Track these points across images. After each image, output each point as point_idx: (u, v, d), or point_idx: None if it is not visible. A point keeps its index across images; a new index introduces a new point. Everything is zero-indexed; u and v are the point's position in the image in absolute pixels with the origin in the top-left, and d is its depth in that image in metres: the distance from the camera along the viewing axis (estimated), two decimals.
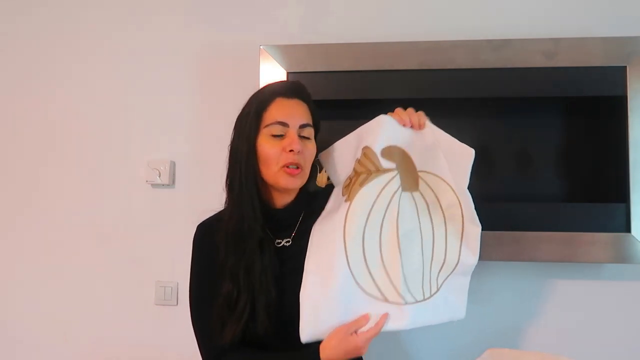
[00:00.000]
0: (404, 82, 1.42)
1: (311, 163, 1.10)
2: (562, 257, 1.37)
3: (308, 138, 1.09)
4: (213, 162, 1.58)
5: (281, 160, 1.05)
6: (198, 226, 1.14)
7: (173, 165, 1.60)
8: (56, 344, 1.61)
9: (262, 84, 1.45)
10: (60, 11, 1.67)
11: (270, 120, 1.06)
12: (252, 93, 1.47)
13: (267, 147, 1.05)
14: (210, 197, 1.57)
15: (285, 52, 1.45)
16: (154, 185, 1.60)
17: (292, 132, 1.06)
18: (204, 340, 1.07)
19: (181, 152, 1.60)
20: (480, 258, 1.40)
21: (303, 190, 1.13)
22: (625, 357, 1.45)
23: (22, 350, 1.63)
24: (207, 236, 1.11)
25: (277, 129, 1.06)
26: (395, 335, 1.47)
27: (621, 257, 1.35)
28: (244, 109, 1.11)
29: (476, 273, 1.49)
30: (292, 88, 1.12)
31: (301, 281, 1.03)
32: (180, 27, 1.62)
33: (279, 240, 1.11)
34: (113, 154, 1.62)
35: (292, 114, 1.07)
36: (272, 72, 1.45)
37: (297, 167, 1.06)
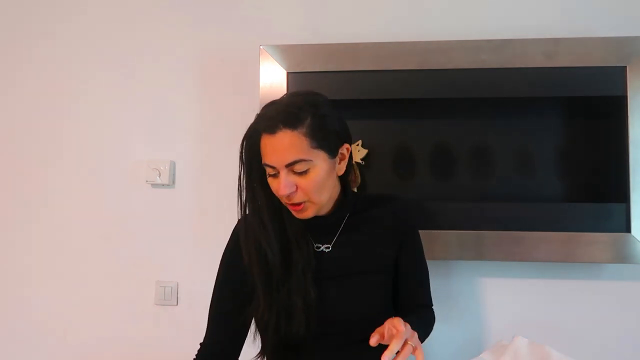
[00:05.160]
0: (403, 82, 1.42)
1: (321, 189, 1.00)
2: (562, 257, 1.37)
3: (305, 171, 0.98)
4: (213, 162, 1.60)
5: (282, 199, 1.02)
6: (240, 221, 1.10)
7: (173, 165, 1.60)
8: (56, 344, 1.61)
9: (262, 84, 1.46)
10: (62, 12, 1.67)
11: (263, 161, 1.00)
12: (251, 93, 1.49)
13: (270, 184, 1.02)
14: (210, 197, 1.60)
15: (285, 52, 1.45)
16: (154, 185, 1.60)
17: (282, 173, 0.97)
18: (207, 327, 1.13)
19: (181, 152, 1.60)
20: (481, 258, 1.41)
21: (344, 198, 1.09)
22: (625, 357, 1.45)
23: (22, 350, 1.63)
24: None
25: (270, 170, 1.00)
26: None
27: (621, 257, 1.35)
28: (243, 142, 1.03)
29: (476, 273, 1.50)
30: (275, 118, 0.97)
31: (339, 287, 1.04)
32: (180, 27, 1.62)
33: (319, 245, 1.09)
34: (113, 154, 1.62)
35: (275, 154, 0.97)
36: (272, 72, 1.45)
37: (299, 204, 1.01)
